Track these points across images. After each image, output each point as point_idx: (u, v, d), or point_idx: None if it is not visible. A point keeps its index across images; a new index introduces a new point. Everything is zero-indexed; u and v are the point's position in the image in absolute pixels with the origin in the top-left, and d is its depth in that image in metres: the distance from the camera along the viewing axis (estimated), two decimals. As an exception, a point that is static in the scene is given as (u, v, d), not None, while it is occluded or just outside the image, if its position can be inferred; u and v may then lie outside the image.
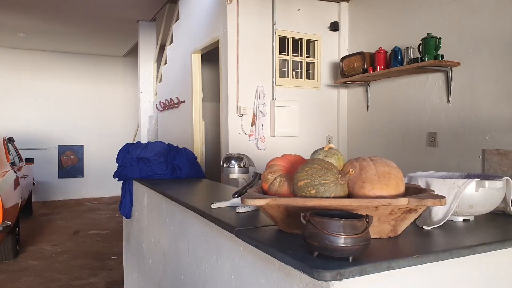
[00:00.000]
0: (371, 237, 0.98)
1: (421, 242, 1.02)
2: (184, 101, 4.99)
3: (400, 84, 3.55)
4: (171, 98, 5.32)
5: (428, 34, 3.06)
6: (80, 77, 8.45)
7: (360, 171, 1.08)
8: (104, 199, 8.23)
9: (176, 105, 5.20)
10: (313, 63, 4.17)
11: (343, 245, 0.81)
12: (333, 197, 1.00)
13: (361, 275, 0.80)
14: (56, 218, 6.40)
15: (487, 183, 1.15)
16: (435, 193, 1.05)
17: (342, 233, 0.81)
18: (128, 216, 2.69)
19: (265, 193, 1.16)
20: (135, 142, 2.74)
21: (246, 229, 1.12)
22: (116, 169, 2.63)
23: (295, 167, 1.20)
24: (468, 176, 1.33)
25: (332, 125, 4.22)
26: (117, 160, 2.60)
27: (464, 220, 1.24)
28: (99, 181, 8.24)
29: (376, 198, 0.96)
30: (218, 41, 3.94)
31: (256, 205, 0.99)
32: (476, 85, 2.90)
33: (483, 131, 2.83)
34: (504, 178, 1.21)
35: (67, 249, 4.59)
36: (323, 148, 1.17)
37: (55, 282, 3.55)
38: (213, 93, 5.62)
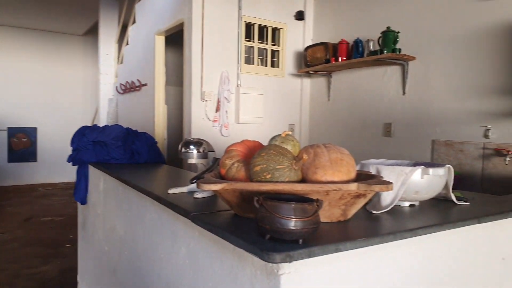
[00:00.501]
0: (323, 221, 1.02)
1: (369, 225, 1.07)
2: (146, 84, 4.87)
3: (360, 76, 3.65)
4: (132, 81, 5.18)
5: (387, 28, 3.15)
6: (33, 55, 7.99)
7: (314, 157, 1.12)
8: (60, 184, 7.94)
9: (138, 88, 5.07)
10: (278, 51, 4.19)
11: (293, 228, 0.83)
12: (287, 182, 1.03)
13: (309, 257, 0.83)
14: (5, 205, 6.09)
15: (431, 170, 1.22)
16: (384, 179, 1.11)
17: (292, 216, 0.84)
18: (83, 202, 2.62)
19: (222, 178, 1.17)
20: (92, 125, 2.65)
21: (202, 214, 1.13)
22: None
23: (253, 152, 1.22)
24: (415, 164, 1.40)
25: (295, 113, 4.28)
26: (72, 143, 2.51)
27: (410, 205, 1.32)
28: (55, 166, 7.91)
29: (327, 183, 1.00)
30: (182, 24, 3.87)
31: (212, 189, 1.00)
32: (429, 79, 3.04)
33: (434, 123, 2.98)
34: (446, 166, 1.29)
35: (16, 236, 4.40)
36: (280, 134, 1.19)
37: (2, 271, 3.38)
38: (177, 77, 5.52)
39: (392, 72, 3.33)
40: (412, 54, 3.11)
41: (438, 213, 1.24)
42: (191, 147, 1.63)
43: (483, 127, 2.64)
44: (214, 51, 3.75)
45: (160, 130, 4.69)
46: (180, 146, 1.70)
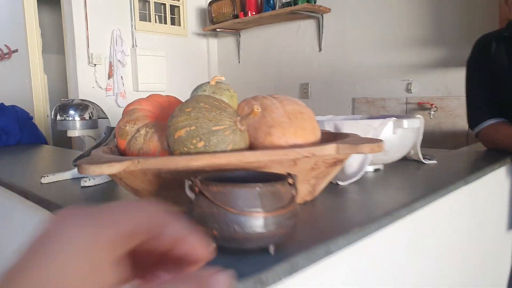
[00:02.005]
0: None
1: (345, 204, 0.76)
2: (17, 50, 3.96)
3: (273, 32, 3.35)
4: (-4, 46, 4.18)
5: (300, -24, 2.87)
6: None
7: (262, 113, 0.76)
8: None
9: (7, 56, 4.11)
10: (178, 7, 3.66)
11: (262, 229, 0.47)
12: (231, 150, 0.66)
13: (291, 275, 0.49)
14: None
15: (405, 122, 0.96)
16: (368, 137, 0.80)
17: (259, 209, 0.48)
18: None
19: (122, 154, 0.76)
20: None
21: (93, 212, 0.70)
22: None
23: (168, 112, 0.82)
24: (377, 118, 1.13)
25: (203, 78, 3.84)
26: None
27: (374, 170, 1.05)
28: None
29: (292, 148, 0.65)
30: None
31: (105, 173, 0.59)
32: (346, 33, 2.86)
33: (353, 80, 2.83)
34: (417, 116, 1.04)
35: None
36: (209, 82, 0.80)
37: None
38: (59, 43, 4.63)
39: (307, 26, 3.09)
40: (327, 6, 2.89)
41: (415, 177, 0.99)
42: (70, 112, 1.12)
43: (404, 81, 2.55)
44: (101, 7, 3.10)
45: (40, 104, 3.88)
46: (53, 113, 1.18)
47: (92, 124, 1.14)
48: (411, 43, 2.52)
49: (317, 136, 0.76)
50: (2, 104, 2.13)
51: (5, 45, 4.10)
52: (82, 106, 1.12)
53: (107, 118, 1.26)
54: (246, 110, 0.78)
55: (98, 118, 1.18)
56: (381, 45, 2.66)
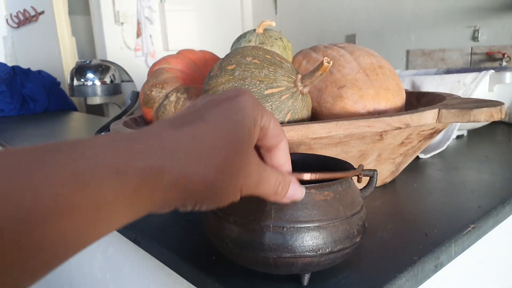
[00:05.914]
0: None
1: (436, 187, 0.58)
2: (43, 12, 3.86)
3: (312, -21, 3.03)
4: (24, 9, 4.11)
5: None
6: None
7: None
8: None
9: (34, 18, 4.03)
10: (207, -45, 3.38)
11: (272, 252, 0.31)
12: (290, 121, 0.48)
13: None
14: None
15: (508, 75, 0.74)
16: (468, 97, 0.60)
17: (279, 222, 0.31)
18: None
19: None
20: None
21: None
22: None
23: (203, 71, 0.65)
24: (457, 71, 0.91)
25: (236, 34, 3.61)
26: None
27: (457, 137, 0.85)
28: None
29: (375, 116, 0.46)
30: None
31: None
32: (397, -25, 2.51)
33: (407, 29, 2.51)
34: (516, 68, 0.82)
35: None
36: (254, 30, 0.62)
37: None
38: (85, 3, 4.49)
39: (351, -30, 2.75)
40: None
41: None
42: (89, 75, 0.95)
43: (470, 27, 2.21)
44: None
45: (70, 68, 3.81)
46: (69, 77, 1.03)
47: (114, 88, 0.98)
48: (477, -19, 2.16)
49: (403, 98, 0.57)
50: (29, 69, 2.03)
51: (32, 7, 4.02)
52: (102, 68, 0.97)
53: (132, 81, 1.11)
54: (305, 65, 0.59)
55: (122, 81, 1.02)
56: (440, -15, 2.32)
